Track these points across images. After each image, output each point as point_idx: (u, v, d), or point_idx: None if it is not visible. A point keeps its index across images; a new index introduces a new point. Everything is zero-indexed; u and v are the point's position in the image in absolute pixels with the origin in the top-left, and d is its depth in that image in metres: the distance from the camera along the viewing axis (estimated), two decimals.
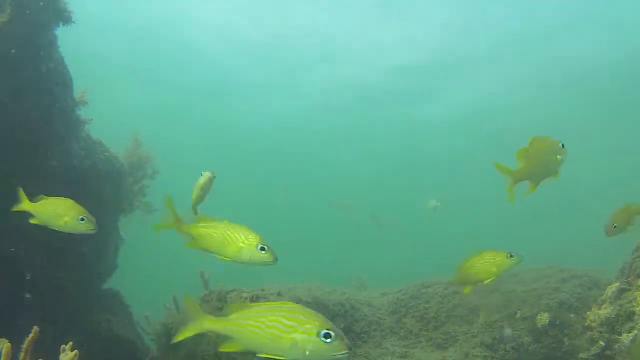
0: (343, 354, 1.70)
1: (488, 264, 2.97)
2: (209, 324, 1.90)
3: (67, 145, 3.81)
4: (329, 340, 1.68)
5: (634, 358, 2.68)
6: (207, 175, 3.10)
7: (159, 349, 3.59)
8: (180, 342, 3.41)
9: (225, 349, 1.86)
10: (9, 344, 1.59)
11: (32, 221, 2.68)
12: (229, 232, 2.26)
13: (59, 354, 1.75)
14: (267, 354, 1.77)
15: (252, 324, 1.78)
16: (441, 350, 3.54)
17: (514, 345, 3.41)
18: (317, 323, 1.71)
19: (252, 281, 3.63)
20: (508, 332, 3.39)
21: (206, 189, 3.10)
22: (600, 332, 3.04)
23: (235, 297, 3.34)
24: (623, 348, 2.80)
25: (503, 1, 11.28)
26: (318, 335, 1.69)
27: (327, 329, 1.70)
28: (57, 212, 2.59)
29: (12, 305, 3.33)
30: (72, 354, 1.72)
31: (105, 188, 4.16)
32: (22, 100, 3.35)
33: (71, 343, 1.77)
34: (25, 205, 2.71)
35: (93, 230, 2.62)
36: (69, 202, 2.62)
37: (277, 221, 19.47)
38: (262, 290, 3.37)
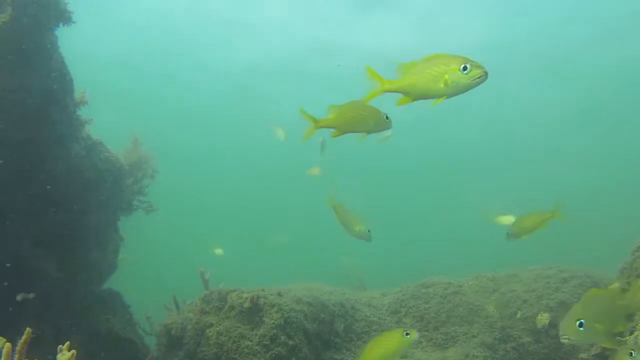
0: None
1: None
2: (388, 86, 2.21)
3: (67, 145, 3.81)
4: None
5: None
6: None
7: (158, 349, 3.60)
8: (180, 342, 3.43)
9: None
10: (9, 344, 1.59)
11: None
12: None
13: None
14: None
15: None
16: (441, 350, 3.54)
17: (514, 345, 3.41)
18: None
19: (252, 281, 3.63)
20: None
21: None
22: None
23: (235, 297, 3.34)
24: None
25: None
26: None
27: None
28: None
29: (12, 305, 3.33)
30: (69, 354, 1.71)
31: (105, 188, 4.16)
32: (22, 101, 3.35)
33: (68, 343, 1.76)
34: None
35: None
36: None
37: (277, 221, 19.50)
38: (262, 290, 3.37)
